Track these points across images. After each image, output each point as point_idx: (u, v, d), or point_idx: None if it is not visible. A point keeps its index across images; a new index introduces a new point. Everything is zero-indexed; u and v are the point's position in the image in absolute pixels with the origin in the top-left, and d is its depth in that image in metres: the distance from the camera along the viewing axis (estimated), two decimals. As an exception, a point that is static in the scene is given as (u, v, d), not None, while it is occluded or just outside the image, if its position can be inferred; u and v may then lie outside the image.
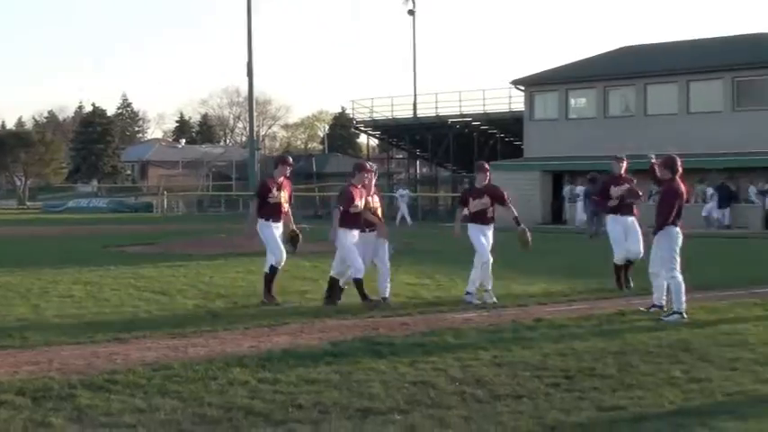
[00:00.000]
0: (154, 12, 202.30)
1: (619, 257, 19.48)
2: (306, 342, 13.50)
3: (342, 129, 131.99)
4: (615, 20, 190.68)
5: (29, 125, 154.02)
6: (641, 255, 18.93)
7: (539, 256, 23.29)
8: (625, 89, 57.77)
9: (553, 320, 15.39)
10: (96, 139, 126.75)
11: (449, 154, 72.32)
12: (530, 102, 61.49)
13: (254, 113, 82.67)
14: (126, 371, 11.34)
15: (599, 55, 64.20)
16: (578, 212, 50.07)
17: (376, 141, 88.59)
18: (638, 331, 14.43)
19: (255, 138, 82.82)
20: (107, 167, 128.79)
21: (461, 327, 14.85)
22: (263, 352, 12.68)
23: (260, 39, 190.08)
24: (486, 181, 18.14)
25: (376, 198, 17.84)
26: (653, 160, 17.34)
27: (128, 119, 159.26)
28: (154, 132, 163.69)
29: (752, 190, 49.78)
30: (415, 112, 74.71)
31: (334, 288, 17.56)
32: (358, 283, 17.11)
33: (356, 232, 17.23)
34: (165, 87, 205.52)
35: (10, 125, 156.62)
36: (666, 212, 15.99)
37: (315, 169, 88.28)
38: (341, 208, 17.12)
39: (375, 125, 77.05)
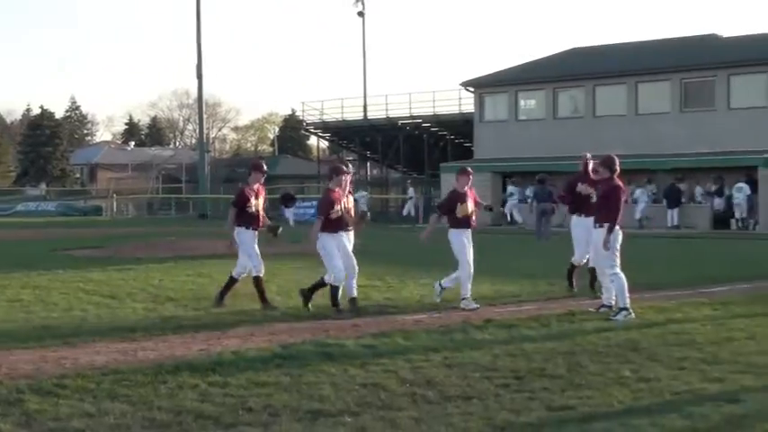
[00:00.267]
0: (103, 14, 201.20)
1: (577, 258, 19.18)
2: (256, 345, 13.47)
3: (292, 131, 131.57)
4: (564, 22, 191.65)
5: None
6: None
7: (489, 258, 23.36)
8: (574, 90, 58.08)
9: (503, 321, 15.45)
10: (45, 142, 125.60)
11: (399, 156, 72.41)
12: (479, 103, 61.67)
13: (204, 116, 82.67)
14: (75, 375, 11.27)
15: (548, 57, 64.49)
16: (516, 213, 50.76)
17: (326, 143, 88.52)
18: (588, 331, 14.52)
19: (205, 140, 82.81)
20: (56, 171, 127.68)
21: (412, 328, 14.87)
22: (213, 355, 12.64)
23: (209, 41, 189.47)
24: (469, 185, 18.03)
25: (351, 198, 17.71)
26: (588, 159, 17.40)
27: (76, 122, 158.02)
28: (103, 135, 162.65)
29: (698, 191, 50.19)
30: (365, 114, 74.79)
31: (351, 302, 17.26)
32: (334, 290, 16.86)
33: (341, 234, 17.01)
34: (113, 90, 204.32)
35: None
36: (617, 210, 16.15)
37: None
38: (321, 217, 16.84)
39: (325, 127, 77.02)
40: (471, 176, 18.00)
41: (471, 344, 13.47)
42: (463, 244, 17.59)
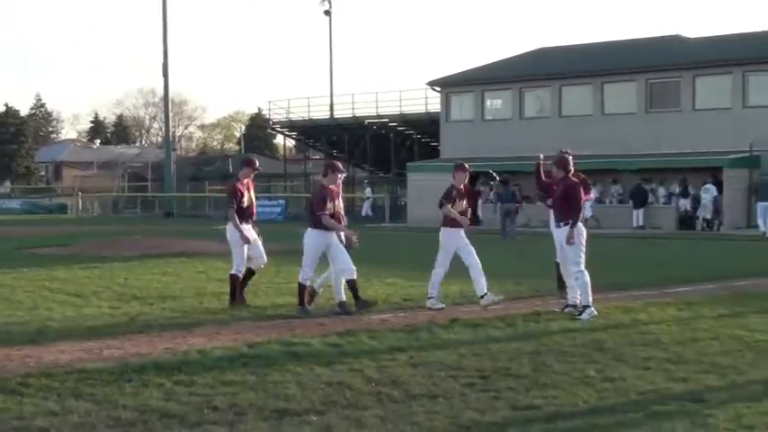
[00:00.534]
0: (68, 11, 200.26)
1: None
2: (222, 344, 13.43)
3: (258, 129, 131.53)
4: (531, 22, 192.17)
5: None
6: None
7: (455, 258, 23.33)
8: (540, 91, 58.26)
9: (469, 321, 15.47)
10: (9, 140, 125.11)
11: (366, 155, 72.43)
12: (446, 103, 61.77)
13: (170, 114, 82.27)
14: (39, 374, 11.22)
15: (515, 56, 64.66)
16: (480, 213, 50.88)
17: (293, 142, 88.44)
18: (553, 331, 14.56)
19: (171, 138, 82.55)
20: (20, 168, 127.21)
21: (377, 327, 14.87)
22: (179, 354, 12.61)
23: (176, 39, 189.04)
24: (466, 181, 17.92)
25: (339, 200, 17.40)
26: (541, 160, 17.37)
27: (41, 119, 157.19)
28: (68, 133, 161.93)
29: (661, 191, 50.44)
30: (331, 113, 74.77)
31: (358, 298, 16.82)
32: (302, 288, 16.69)
33: (332, 234, 16.62)
34: (79, 88, 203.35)
35: None
36: (578, 207, 16.24)
37: (231, 170, 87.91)
38: (321, 214, 16.41)
39: (292, 126, 76.98)
40: (468, 173, 17.82)
41: (437, 343, 13.50)
42: (450, 244, 17.47)
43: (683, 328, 14.73)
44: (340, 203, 17.08)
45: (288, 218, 60.48)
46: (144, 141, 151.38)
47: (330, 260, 16.83)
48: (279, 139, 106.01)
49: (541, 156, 17.55)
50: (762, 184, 43.71)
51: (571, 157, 18.26)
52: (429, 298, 17.38)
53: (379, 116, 70.25)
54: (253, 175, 18.15)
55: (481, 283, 17.35)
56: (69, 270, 24.47)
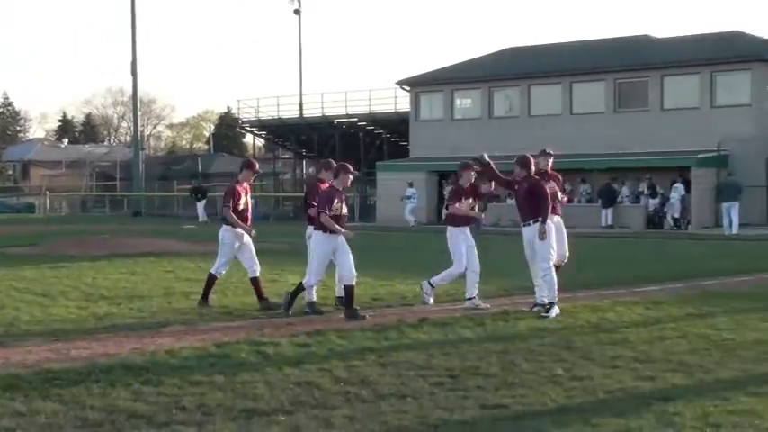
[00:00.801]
0: (36, 9, 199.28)
1: (557, 258, 18.01)
2: (190, 344, 13.40)
3: (227, 128, 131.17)
4: (500, 22, 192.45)
5: None
6: (566, 257, 18.39)
7: (425, 256, 23.42)
8: (509, 90, 58.40)
9: (438, 320, 15.47)
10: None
11: (335, 154, 72.23)
12: (415, 102, 61.84)
13: (139, 113, 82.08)
14: (6, 374, 11.16)
15: (484, 56, 64.75)
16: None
17: (262, 141, 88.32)
18: (522, 330, 14.59)
19: (140, 138, 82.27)
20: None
21: (346, 327, 14.86)
22: (147, 354, 12.58)
23: (144, 38, 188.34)
24: (472, 180, 17.74)
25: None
26: (484, 157, 17.28)
27: (9, 118, 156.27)
28: (36, 132, 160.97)
29: (625, 191, 50.68)
30: (301, 113, 74.72)
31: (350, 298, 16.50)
32: (298, 289, 16.52)
33: (336, 236, 16.24)
34: (47, 87, 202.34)
35: None
36: (546, 204, 16.28)
37: (200, 169, 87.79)
38: (322, 212, 16.08)
39: (261, 125, 76.90)
40: (475, 172, 17.63)
41: (406, 342, 13.50)
42: (460, 242, 17.40)
43: (650, 327, 14.80)
44: (343, 207, 16.69)
45: (258, 217, 60.25)
46: (112, 140, 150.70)
47: (336, 263, 16.56)
48: (248, 139, 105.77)
49: (485, 154, 17.39)
50: (726, 185, 43.99)
51: (552, 159, 18.30)
52: (469, 299, 17.32)
53: (348, 115, 70.27)
54: (252, 179, 18.07)
55: (473, 286, 17.36)
56: (37, 270, 24.35)
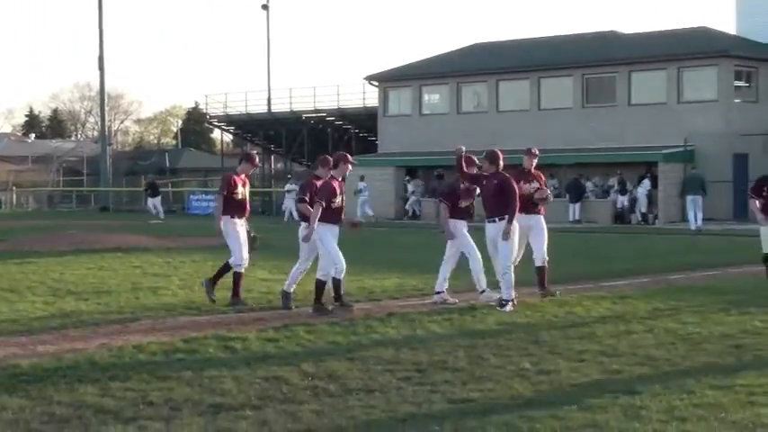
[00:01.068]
0: (1, 4, 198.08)
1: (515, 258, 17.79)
2: (158, 339, 13.38)
3: (195, 124, 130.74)
4: (468, 17, 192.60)
5: None
6: (546, 258, 18.04)
7: (392, 251, 23.51)
8: (477, 85, 58.43)
9: (405, 315, 15.50)
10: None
11: (303, 149, 72.28)
12: (383, 97, 61.83)
13: (106, 108, 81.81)
14: (-28, 370, 11.13)
15: (452, 51, 64.80)
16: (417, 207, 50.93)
17: (230, 136, 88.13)
18: (490, 325, 14.64)
19: (107, 133, 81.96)
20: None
21: (314, 322, 14.87)
22: (114, 349, 12.55)
23: (112, 32, 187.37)
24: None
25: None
26: (462, 153, 17.26)
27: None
28: (2, 127, 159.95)
29: (589, 185, 50.86)
30: (269, 108, 74.52)
31: (338, 292, 16.39)
32: (338, 282, 16.18)
33: (335, 228, 16.31)
34: (14, 82, 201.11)
35: None
36: (515, 202, 16.29)
37: (168, 165, 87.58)
38: (323, 203, 15.98)
39: (229, 120, 76.65)
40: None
41: (374, 337, 13.53)
42: (463, 232, 17.36)
43: (617, 322, 14.87)
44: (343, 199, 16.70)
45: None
46: (80, 136, 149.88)
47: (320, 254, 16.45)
48: (216, 134, 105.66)
49: (462, 148, 17.40)
50: (688, 178, 44.23)
51: (536, 160, 18.29)
52: (482, 292, 17.35)
53: (316, 110, 70.12)
54: (251, 171, 18.02)
55: (443, 279, 17.41)
56: (3, 265, 24.24)
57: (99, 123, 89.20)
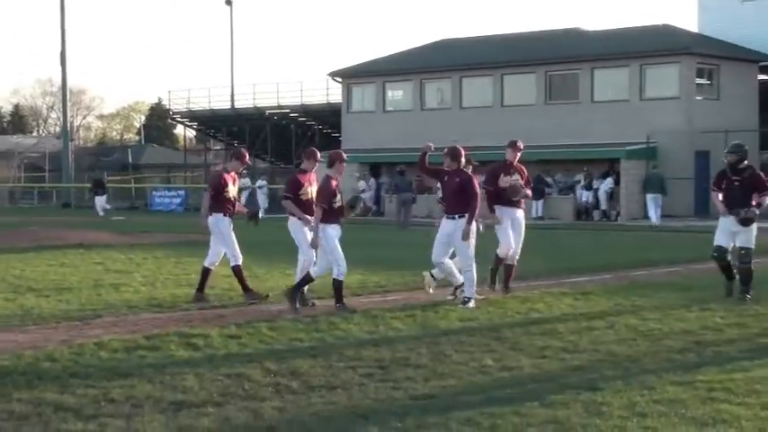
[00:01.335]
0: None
1: (503, 250, 17.95)
2: (119, 336, 13.32)
3: (158, 119, 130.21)
4: (432, 13, 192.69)
5: None
6: (517, 255, 18.16)
7: (355, 248, 23.37)
8: (441, 82, 58.47)
9: (368, 311, 15.49)
10: None
11: (267, 145, 72.15)
12: (347, 94, 61.79)
13: (68, 103, 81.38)
14: (-69, 367, 11.05)
15: (416, 48, 64.82)
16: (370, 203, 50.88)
17: (193, 132, 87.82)
18: (452, 321, 14.66)
19: (69, 128, 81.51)
20: None
21: (277, 318, 14.85)
22: (75, 346, 12.49)
23: (74, 27, 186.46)
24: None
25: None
26: (430, 149, 17.23)
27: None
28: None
29: (549, 182, 51.00)
30: (232, 104, 74.37)
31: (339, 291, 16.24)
32: (340, 284, 16.08)
33: (338, 228, 16.18)
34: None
35: None
36: (476, 200, 16.29)
37: (131, 160, 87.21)
38: (324, 206, 15.84)
39: (192, 116, 76.43)
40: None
41: (336, 334, 13.52)
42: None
43: (579, 318, 14.94)
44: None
45: (188, 209, 59.91)
46: (41, 131, 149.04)
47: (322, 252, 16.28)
48: (179, 130, 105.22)
49: (431, 145, 17.38)
50: (649, 177, 44.43)
51: (520, 153, 18.34)
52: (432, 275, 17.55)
53: (280, 106, 70.03)
54: (241, 170, 17.92)
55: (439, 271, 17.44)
56: (-36, 262, 24.09)
57: (61, 119, 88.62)
